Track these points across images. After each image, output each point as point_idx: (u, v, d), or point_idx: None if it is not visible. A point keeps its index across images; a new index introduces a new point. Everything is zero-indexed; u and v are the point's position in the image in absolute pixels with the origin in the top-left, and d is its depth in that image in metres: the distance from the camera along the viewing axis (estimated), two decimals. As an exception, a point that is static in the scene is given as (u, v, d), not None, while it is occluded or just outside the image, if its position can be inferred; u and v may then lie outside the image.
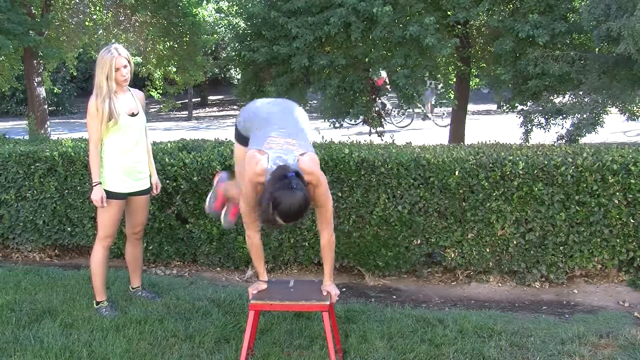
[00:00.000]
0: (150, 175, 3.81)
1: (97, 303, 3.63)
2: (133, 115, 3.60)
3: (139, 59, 14.90)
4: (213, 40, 16.07)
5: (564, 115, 7.99)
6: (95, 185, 3.52)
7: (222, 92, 30.11)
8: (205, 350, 3.09)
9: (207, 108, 26.29)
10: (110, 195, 3.54)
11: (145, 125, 3.77)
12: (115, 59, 3.45)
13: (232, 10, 15.28)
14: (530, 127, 8.43)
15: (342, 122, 10.38)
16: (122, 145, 3.56)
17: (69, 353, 3.03)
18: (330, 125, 10.44)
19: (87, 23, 13.55)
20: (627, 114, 8.00)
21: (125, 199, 3.64)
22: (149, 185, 3.78)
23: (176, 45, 13.04)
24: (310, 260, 4.41)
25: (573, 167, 3.98)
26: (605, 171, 3.95)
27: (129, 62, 3.54)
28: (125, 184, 3.60)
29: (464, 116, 11.55)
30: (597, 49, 8.06)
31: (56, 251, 5.04)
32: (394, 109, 14.13)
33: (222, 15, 18.59)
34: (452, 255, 4.22)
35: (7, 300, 3.76)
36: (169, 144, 5.06)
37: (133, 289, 3.92)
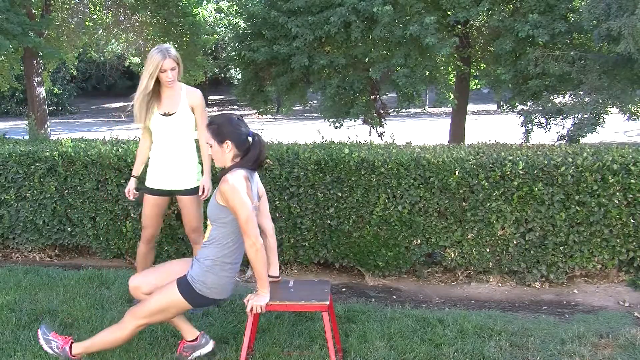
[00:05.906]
0: (202, 175, 3.66)
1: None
2: (166, 115, 3.53)
3: (138, 59, 14.90)
4: (213, 40, 16.09)
5: (565, 115, 8.00)
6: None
7: (222, 92, 30.13)
8: (205, 350, 3.09)
9: (207, 108, 26.35)
10: (146, 190, 3.65)
11: (191, 124, 3.63)
12: (164, 62, 3.40)
13: (232, 10, 15.29)
14: (530, 127, 8.44)
15: (342, 122, 10.38)
16: (156, 143, 3.61)
17: (69, 353, 3.02)
18: (330, 125, 10.44)
19: (87, 23, 13.57)
20: (627, 114, 8.01)
21: (162, 196, 3.62)
22: (194, 186, 3.61)
23: (176, 45, 13.07)
24: (310, 260, 4.41)
25: (573, 167, 3.98)
26: (606, 171, 3.95)
27: (177, 64, 3.49)
28: (158, 181, 3.59)
29: (464, 116, 11.56)
30: (597, 49, 8.07)
31: (56, 251, 5.04)
32: None
33: (222, 15, 18.61)
34: (452, 255, 4.22)
35: (7, 300, 3.76)
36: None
37: None
